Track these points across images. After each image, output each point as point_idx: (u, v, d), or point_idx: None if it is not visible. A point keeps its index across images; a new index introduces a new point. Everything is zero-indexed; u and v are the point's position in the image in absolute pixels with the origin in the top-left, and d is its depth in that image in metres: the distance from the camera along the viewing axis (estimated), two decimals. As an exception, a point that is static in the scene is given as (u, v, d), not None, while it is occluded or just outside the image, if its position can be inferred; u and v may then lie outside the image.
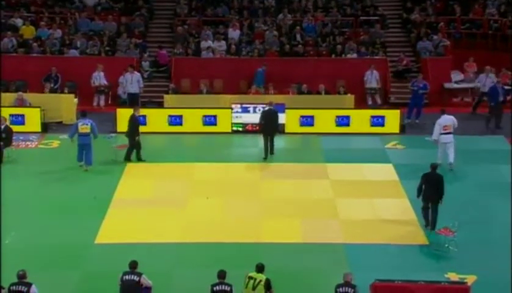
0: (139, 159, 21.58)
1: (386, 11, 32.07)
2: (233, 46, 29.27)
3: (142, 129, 22.29)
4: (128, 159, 21.54)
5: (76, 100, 25.73)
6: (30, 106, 24.82)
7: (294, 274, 15.17)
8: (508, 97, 25.80)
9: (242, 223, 17.60)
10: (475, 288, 13.92)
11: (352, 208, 18.56)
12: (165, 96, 26.37)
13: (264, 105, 23.06)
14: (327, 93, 26.75)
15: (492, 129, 24.80)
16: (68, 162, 21.77)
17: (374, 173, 20.92)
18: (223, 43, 29.50)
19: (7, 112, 22.66)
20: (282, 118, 23.78)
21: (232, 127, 24.52)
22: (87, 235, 16.80)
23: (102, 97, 27.19)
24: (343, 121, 24.62)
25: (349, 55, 29.15)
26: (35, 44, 28.82)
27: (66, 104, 25.51)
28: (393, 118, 24.64)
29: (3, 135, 21.26)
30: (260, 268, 13.08)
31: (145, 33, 30.93)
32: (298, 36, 30.00)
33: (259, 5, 31.99)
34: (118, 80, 27.23)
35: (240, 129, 24.52)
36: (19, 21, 30.31)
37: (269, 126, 22.20)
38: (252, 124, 24.24)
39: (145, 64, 29.16)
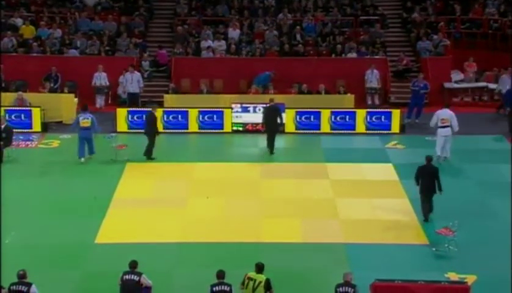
0: (150, 157, 21.79)
1: (386, 10, 32.08)
2: (233, 46, 29.28)
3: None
4: (149, 156, 21.73)
5: (76, 100, 25.73)
6: (30, 106, 24.83)
7: (294, 274, 15.16)
8: None
9: (242, 223, 17.60)
10: (475, 288, 13.91)
11: (352, 208, 18.55)
12: (165, 96, 26.38)
13: (267, 103, 23.21)
14: (327, 92, 26.76)
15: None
16: (68, 162, 21.81)
17: (374, 173, 20.92)
18: (223, 42, 29.51)
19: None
20: (282, 118, 23.71)
21: (232, 127, 24.53)
22: (87, 235, 16.79)
23: (102, 98, 27.19)
24: (343, 120, 24.63)
25: (349, 55, 29.16)
26: (35, 44, 28.83)
27: (66, 104, 25.52)
28: (393, 118, 24.67)
29: (4, 135, 21.26)
30: (260, 268, 13.06)
31: (145, 33, 30.93)
32: (298, 36, 30.00)
33: (259, 5, 32.00)
34: (118, 80, 27.26)
35: (240, 128, 24.52)
36: (19, 21, 30.32)
37: (271, 123, 22.44)
38: (252, 123, 24.23)
39: (145, 64, 29.16)
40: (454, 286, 13.76)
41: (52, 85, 26.63)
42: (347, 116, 24.69)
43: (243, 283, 13.05)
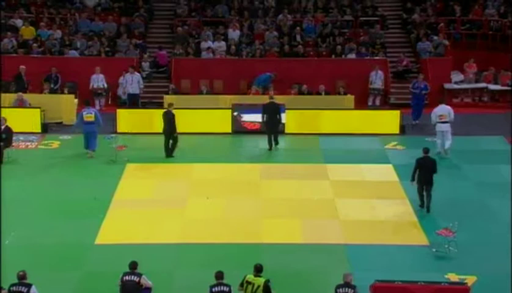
0: (169, 155, 22.02)
1: (386, 11, 32.09)
2: (233, 47, 29.29)
3: (142, 129, 22.41)
4: (171, 154, 21.96)
5: (76, 100, 25.73)
6: (30, 106, 24.83)
7: (294, 274, 15.15)
8: None
9: (242, 224, 17.59)
10: (475, 288, 13.92)
11: (352, 208, 18.55)
12: (165, 96, 26.38)
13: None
14: (327, 93, 26.77)
15: None
16: (68, 162, 21.82)
17: (374, 174, 20.92)
18: (223, 43, 29.52)
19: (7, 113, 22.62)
20: (282, 118, 23.72)
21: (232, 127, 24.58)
22: (87, 235, 16.79)
23: (102, 100, 27.18)
24: (343, 121, 24.68)
25: (349, 56, 29.17)
26: (34, 44, 28.84)
27: (66, 105, 25.52)
28: (393, 119, 24.69)
29: (4, 136, 21.27)
30: (258, 270, 13.03)
31: (144, 34, 30.94)
32: (298, 37, 30.01)
33: (259, 6, 32.01)
34: (118, 81, 27.27)
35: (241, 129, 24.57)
36: (19, 22, 30.33)
37: (272, 119, 22.70)
38: (253, 122, 24.31)
39: (145, 65, 29.17)
40: (454, 287, 13.76)
41: (52, 86, 26.64)
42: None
43: (242, 285, 13.04)
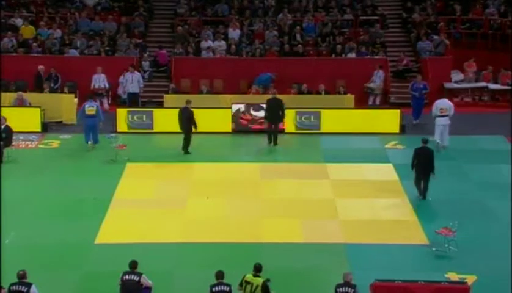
0: (187, 152, 22.28)
1: (386, 11, 32.07)
2: (233, 46, 29.28)
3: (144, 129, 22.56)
4: (186, 151, 22.20)
5: (76, 100, 25.73)
6: (30, 106, 24.84)
7: (294, 274, 15.16)
8: None
9: (242, 223, 17.60)
10: (475, 288, 13.91)
11: (352, 208, 18.55)
12: (165, 96, 26.38)
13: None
14: (327, 93, 26.77)
15: None
16: (68, 162, 21.82)
17: (374, 173, 20.92)
18: (223, 42, 29.51)
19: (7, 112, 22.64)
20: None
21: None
22: (87, 235, 16.79)
23: (105, 101, 27.17)
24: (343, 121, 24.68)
25: (349, 55, 29.16)
26: (34, 44, 28.84)
27: (66, 104, 25.52)
28: (393, 118, 24.69)
29: (4, 135, 21.27)
30: (258, 269, 13.04)
31: (145, 33, 30.94)
32: (298, 36, 30.00)
33: (259, 5, 32.00)
34: (119, 80, 27.27)
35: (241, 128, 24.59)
36: (19, 21, 30.33)
37: (274, 114, 23.08)
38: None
39: (145, 64, 29.17)
40: (454, 286, 13.77)
41: (52, 85, 26.64)
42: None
43: (241, 284, 13.05)
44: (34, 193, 19.34)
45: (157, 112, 24.90)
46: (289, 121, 24.49)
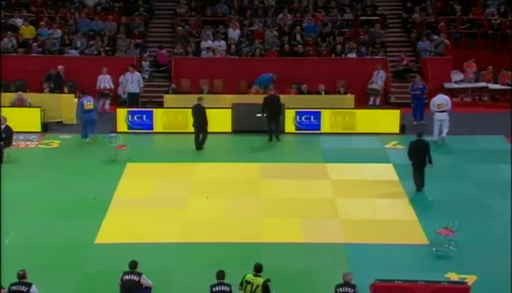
0: (200, 148, 22.64)
1: (386, 11, 32.08)
2: (233, 46, 29.28)
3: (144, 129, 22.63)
4: (201, 146, 22.56)
5: (75, 100, 25.72)
6: (30, 106, 24.84)
7: (294, 274, 15.16)
8: None
9: (242, 223, 17.59)
10: (475, 288, 13.92)
11: (352, 208, 18.55)
12: (165, 96, 26.38)
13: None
14: (327, 93, 26.76)
15: None
16: (68, 162, 21.82)
17: (374, 173, 20.91)
18: (223, 42, 29.52)
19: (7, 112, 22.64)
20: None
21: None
22: (87, 235, 16.79)
23: (108, 101, 27.17)
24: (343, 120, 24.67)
25: (349, 55, 29.15)
26: (34, 44, 28.83)
27: (66, 104, 25.52)
28: (393, 118, 24.69)
29: (4, 135, 21.27)
30: (258, 269, 13.05)
31: (145, 33, 30.94)
32: (298, 36, 30.01)
33: (259, 5, 32.00)
34: (119, 80, 27.27)
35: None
36: (19, 21, 30.34)
37: (273, 111, 23.44)
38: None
39: (145, 64, 29.17)
40: (454, 286, 13.77)
41: (52, 85, 26.62)
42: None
43: (241, 284, 13.05)
44: (34, 193, 19.34)
45: (157, 112, 24.87)
46: (289, 121, 24.50)
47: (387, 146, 23.37)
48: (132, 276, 13.25)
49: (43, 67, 27.27)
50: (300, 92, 26.80)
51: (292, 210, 18.32)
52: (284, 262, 15.61)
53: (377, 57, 29.02)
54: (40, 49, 28.79)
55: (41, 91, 26.29)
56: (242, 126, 24.46)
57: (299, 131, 24.55)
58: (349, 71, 28.21)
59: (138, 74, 27.01)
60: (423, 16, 31.29)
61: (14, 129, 21.99)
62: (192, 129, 23.55)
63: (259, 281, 12.91)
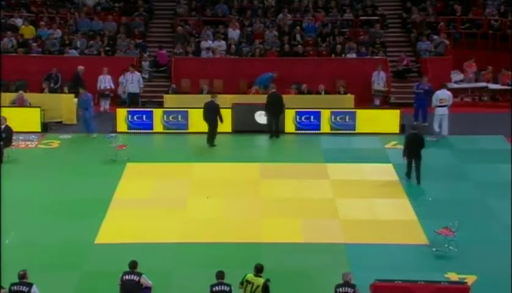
0: (212, 144, 23.00)
1: (386, 11, 32.09)
2: (233, 46, 29.28)
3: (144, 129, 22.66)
4: (212, 143, 22.87)
5: (75, 100, 25.70)
6: (30, 106, 24.84)
7: (294, 274, 15.16)
8: None
9: (242, 223, 17.60)
10: (475, 288, 13.92)
11: (352, 208, 18.55)
12: (165, 96, 26.38)
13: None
14: (327, 93, 26.76)
15: None
16: (68, 162, 21.82)
17: (374, 173, 20.91)
18: (223, 42, 29.52)
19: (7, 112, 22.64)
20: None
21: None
22: (87, 235, 16.79)
23: (108, 102, 27.16)
24: (343, 120, 24.66)
25: (349, 55, 29.15)
26: (34, 44, 28.83)
27: (66, 104, 25.52)
28: (393, 118, 24.68)
29: (4, 135, 21.27)
30: (259, 270, 13.05)
31: (145, 33, 30.94)
32: (298, 36, 30.01)
33: (259, 5, 32.01)
34: (119, 80, 27.27)
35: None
36: (19, 21, 30.35)
37: (274, 108, 23.81)
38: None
39: (145, 64, 29.17)
40: (454, 286, 13.78)
41: (52, 85, 26.63)
42: (347, 116, 24.72)
43: (242, 283, 13.06)
44: (34, 193, 19.34)
45: (157, 112, 24.86)
46: (289, 121, 24.50)
47: (387, 146, 23.37)
48: (132, 276, 13.25)
49: (43, 67, 27.28)
50: (300, 92, 26.80)
51: (292, 210, 18.32)
52: (284, 262, 15.61)
53: (377, 57, 29.03)
54: (40, 49, 28.80)
55: (41, 91, 26.27)
56: (242, 126, 24.46)
57: (299, 131, 24.55)
58: (349, 71, 28.22)
59: (138, 74, 27.01)
60: (423, 16, 31.29)
61: (14, 129, 21.99)
62: (191, 129, 23.60)
63: (260, 281, 12.91)
